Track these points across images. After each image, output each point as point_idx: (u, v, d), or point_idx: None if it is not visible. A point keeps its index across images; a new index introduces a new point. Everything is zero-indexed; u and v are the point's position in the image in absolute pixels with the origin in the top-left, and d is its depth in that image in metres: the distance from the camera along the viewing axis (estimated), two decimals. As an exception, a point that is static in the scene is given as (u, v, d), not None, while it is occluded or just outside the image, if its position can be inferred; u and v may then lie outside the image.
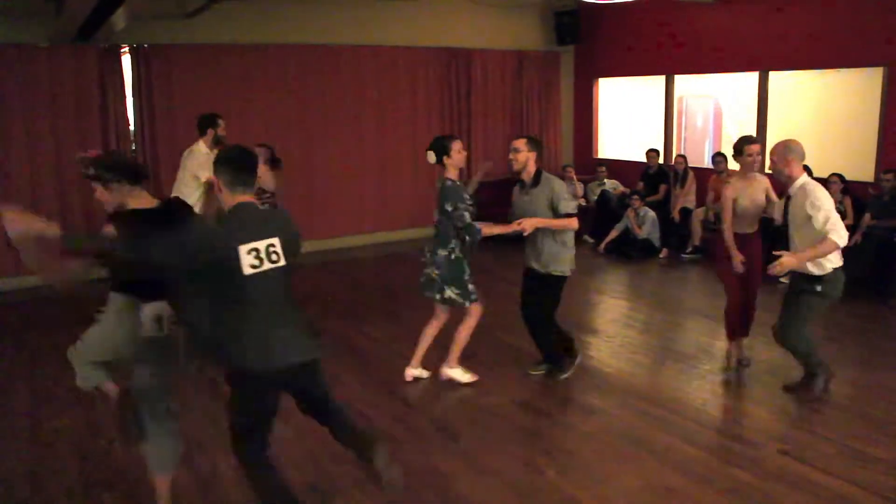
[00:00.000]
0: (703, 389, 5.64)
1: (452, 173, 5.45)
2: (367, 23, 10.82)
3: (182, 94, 9.68)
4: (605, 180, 11.63)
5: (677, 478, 4.32)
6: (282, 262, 3.32)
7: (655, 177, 10.96)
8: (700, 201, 10.21)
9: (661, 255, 10.10)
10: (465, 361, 6.19)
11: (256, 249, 3.23)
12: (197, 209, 6.84)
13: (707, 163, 11.16)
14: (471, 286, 5.55)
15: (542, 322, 5.77)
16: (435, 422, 5.14)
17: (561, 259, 5.57)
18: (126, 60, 9.48)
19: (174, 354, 3.73)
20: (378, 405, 5.43)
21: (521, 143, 5.54)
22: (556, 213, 5.43)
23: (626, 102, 12.77)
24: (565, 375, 5.84)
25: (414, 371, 5.84)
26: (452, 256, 5.47)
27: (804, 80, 9.99)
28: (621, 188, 11.52)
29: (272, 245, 3.28)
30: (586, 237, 11.22)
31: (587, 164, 12.44)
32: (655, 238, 10.22)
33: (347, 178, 10.87)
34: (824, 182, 8.75)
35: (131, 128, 9.61)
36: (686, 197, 10.49)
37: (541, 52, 12.52)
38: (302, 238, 3.57)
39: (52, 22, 8.56)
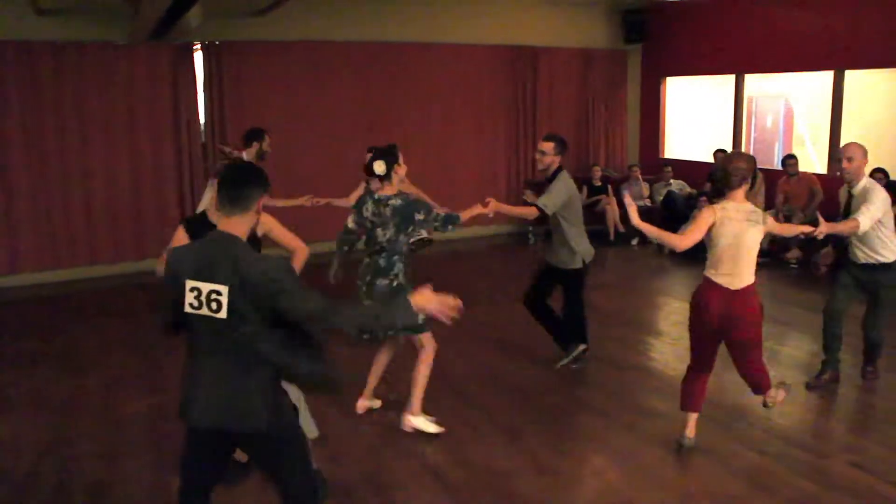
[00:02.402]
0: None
1: (397, 186, 4.85)
2: (434, 20, 10.88)
3: (252, 90, 9.88)
4: (672, 181, 11.47)
5: (740, 485, 4.25)
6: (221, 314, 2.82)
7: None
8: (769, 204, 9.98)
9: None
10: (527, 360, 6.22)
11: (198, 290, 2.83)
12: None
13: (777, 164, 10.92)
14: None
15: (576, 315, 5.97)
16: (496, 420, 5.15)
17: (571, 257, 5.79)
18: (198, 57, 9.72)
19: None
20: (438, 401, 5.45)
21: (548, 147, 5.71)
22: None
23: (694, 101, 12.56)
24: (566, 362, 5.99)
25: (366, 402, 5.28)
26: (395, 284, 4.76)
27: (882, 78, 9.68)
28: (688, 189, 11.34)
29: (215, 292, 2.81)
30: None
31: (653, 164, 12.27)
32: (721, 240, 10.01)
33: (413, 176, 10.91)
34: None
35: (202, 123, 9.85)
36: (755, 199, 10.25)
37: (607, 51, 12.40)
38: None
39: (129, 20, 8.82)
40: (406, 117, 10.82)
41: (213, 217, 3.84)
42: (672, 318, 7.74)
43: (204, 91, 9.76)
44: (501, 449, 4.74)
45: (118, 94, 9.23)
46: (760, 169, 10.38)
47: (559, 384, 5.74)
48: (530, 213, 5.72)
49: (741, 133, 11.45)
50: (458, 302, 3.02)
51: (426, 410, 4.99)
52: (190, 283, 2.81)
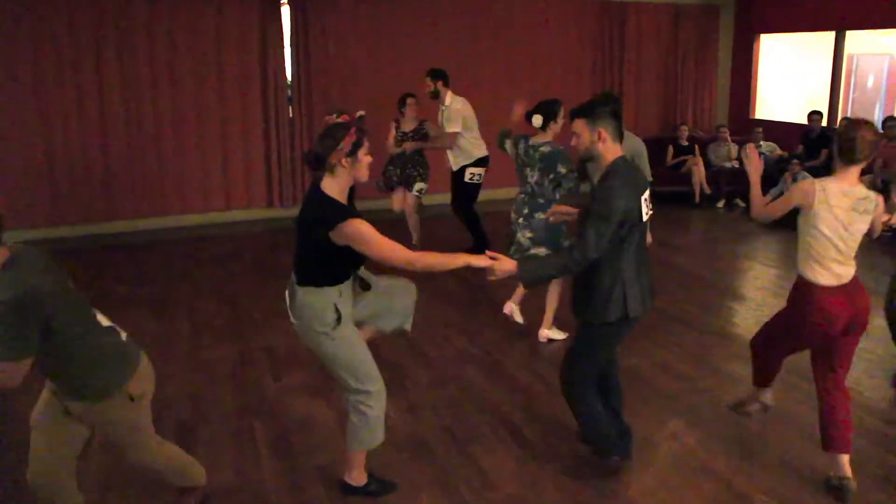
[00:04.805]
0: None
1: (552, 138, 5.51)
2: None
3: (338, 44, 9.93)
4: (762, 142, 11.07)
5: (824, 458, 4.12)
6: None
7: (817, 140, 10.33)
8: (867, 169, 9.53)
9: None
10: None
11: (647, 199, 3.55)
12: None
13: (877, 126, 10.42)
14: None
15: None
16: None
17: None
18: (285, 11, 9.79)
19: None
20: (515, 358, 5.48)
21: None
22: None
23: (788, 59, 12.03)
24: None
25: (547, 332, 5.85)
26: (551, 219, 5.11)
27: None
28: (778, 151, 10.94)
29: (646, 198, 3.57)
30: (738, 201, 10.79)
31: (743, 124, 11.86)
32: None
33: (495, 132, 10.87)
34: None
35: (288, 78, 9.96)
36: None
37: (699, 6, 11.96)
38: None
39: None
40: (489, 72, 10.68)
41: None
42: (756, 283, 7.54)
43: (291, 45, 9.84)
44: (577, 408, 4.72)
45: (208, 45, 9.40)
46: (858, 131, 9.92)
47: (638, 346, 5.67)
48: None
49: (839, 93, 10.94)
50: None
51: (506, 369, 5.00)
52: (643, 197, 3.51)
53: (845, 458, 3.78)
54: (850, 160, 3.56)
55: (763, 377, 4.31)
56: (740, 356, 5.53)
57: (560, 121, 5.47)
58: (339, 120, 3.31)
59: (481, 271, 3.44)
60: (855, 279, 3.71)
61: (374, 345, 5.67)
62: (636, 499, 3.78)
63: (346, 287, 3.46)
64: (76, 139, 8.97)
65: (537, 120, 5.45)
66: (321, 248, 3.26)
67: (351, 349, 3.47)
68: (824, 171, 9.93)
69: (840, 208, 3.57)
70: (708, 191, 10.77)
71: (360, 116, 3.43)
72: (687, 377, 5.19)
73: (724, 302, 6.84)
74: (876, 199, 3.63)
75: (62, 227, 9.04)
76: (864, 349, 5.64)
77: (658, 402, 4.84)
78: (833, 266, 3.64)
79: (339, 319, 3.38)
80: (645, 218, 3.52)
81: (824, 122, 10.50)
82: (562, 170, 5.38)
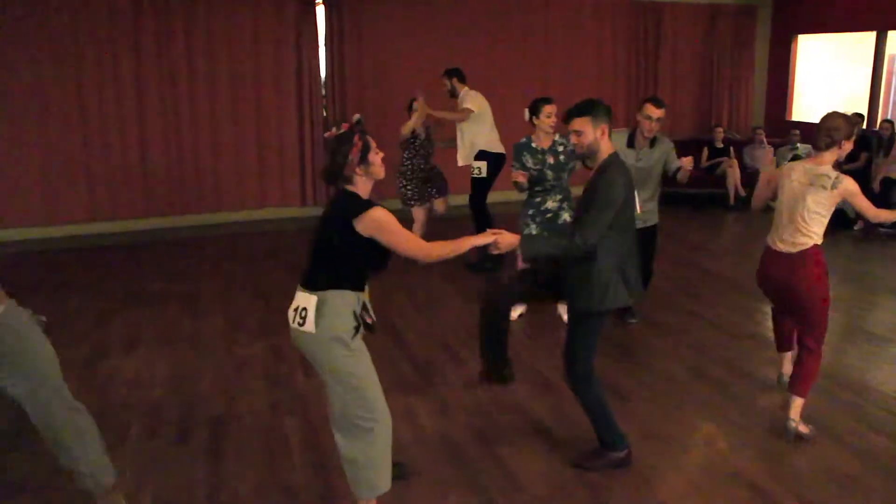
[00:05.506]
0: (895, 375, 5.25)
1: (539, 134, 5.79)
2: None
3: (373, 45, 9.98)
4: (798, 145, 10.91)
5: (857, 466, 4.07)
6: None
7: (856, 143, 10.12)
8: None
9: (855, 228, 9.41)
10: (639, 323, 6.15)
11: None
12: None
13: (918, 130, 10.21)
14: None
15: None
16: (605, 383, 5.09)
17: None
18: (320, 12, 9.85)
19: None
20: (545, 359, 5.46)
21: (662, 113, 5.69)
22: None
23: (826, 59, 11.84)
24: None
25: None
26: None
27: None
28: (815, 154, 10.76)
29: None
30: (773, 204, 10.63)
31: (779, 126, 11.70)
32: (850, 209, 9.51)
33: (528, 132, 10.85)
34: None
35: (322, 79, 10.03)
36: (890, 166, 9.65)
37: (736, 6, 11.83)
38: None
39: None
40: (523, 71, 10.65)
41: None
42: (792, 287, 7.44)
43: (325, 44, 9.90)
44: (608, 411, 4.70)
45: (244, 45, 9.49)
46: (899, 134, 9.75)
47: (670, 350, 5.64)
48: None
49: (879, 95, 10.76)
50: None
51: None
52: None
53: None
54: (815, 146, 4.28)
55: (778, 340, 4.92)
56: (773, 361, 5.46)
57: (544, 118, 5.70)
58: (342, 130, 3.30)
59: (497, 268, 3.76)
60: (797, 254, 4.19)
61: (405, 344, 5.72)
62: (667, 503, 3.75)
63: (362, 299, 3.37)
64: (113, 137, 9.11)
65: (525, 114, 5.84)
66: (345, 244, 3.23)
67: (363, 368, 3.33)
68: (864, 174, 9.79)
69: (798, 182, 4.22)
70: (743, 193, 10.64)
71: (358, 120, 3.42)
72: (719, 382, 5.13)
73: (759, 306, 6.75)
74: (839, 177, 4.12)
75: (97, 223, 9.19)
76: (904, 356, 5.56)
77: (689, 406, 4.80)
78: (775, 237, 4.31)
79: (357, 328, 3.29)
80: (638, 211, 3.87)
81: (864, 125, 10.33)
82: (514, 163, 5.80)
